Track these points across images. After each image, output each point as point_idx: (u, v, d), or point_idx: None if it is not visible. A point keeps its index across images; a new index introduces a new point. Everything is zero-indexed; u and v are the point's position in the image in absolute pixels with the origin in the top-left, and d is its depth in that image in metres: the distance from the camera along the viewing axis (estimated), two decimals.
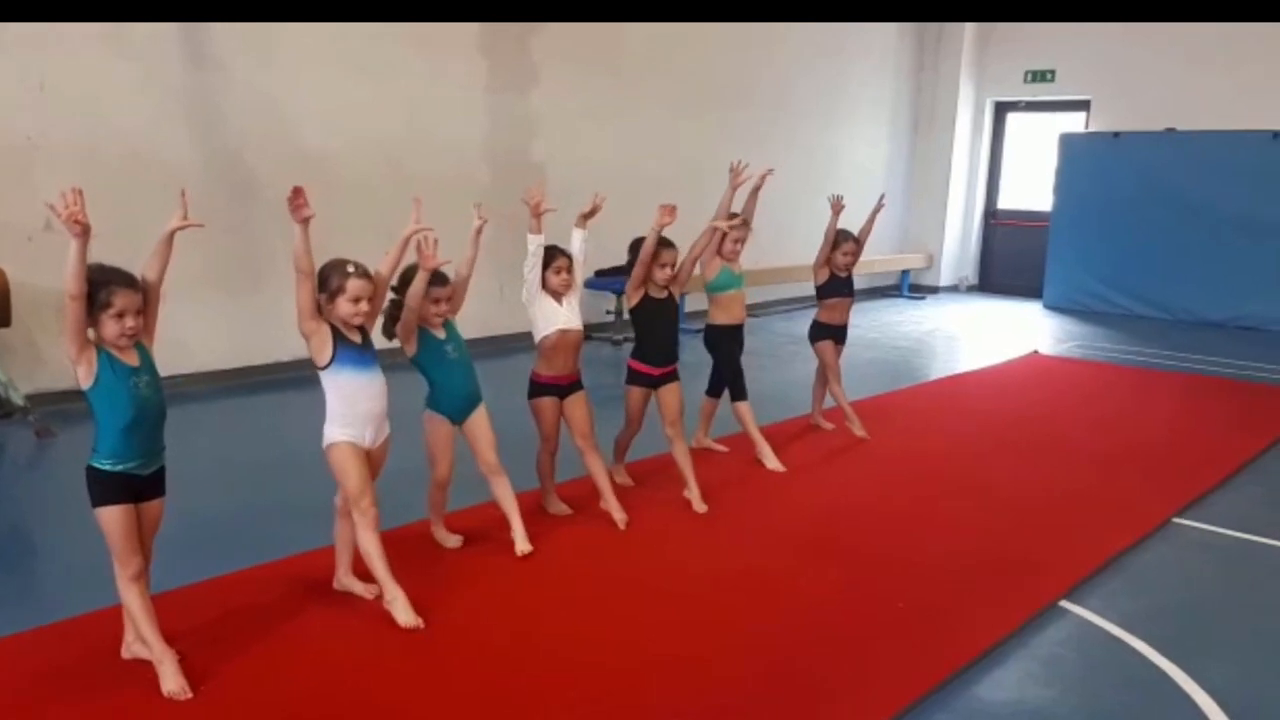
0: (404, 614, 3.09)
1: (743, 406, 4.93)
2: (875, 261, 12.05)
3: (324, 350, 3.11)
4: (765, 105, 10.27)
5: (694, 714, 2.72)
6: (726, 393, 5.02)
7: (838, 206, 5.41)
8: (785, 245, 10.89)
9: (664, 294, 4.33)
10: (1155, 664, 3.10)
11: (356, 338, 3.18)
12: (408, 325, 3.53)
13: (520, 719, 2.67)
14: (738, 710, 2.74)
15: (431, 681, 2.84)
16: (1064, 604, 3.51)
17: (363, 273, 3.12)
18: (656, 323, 4.26)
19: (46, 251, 5.60)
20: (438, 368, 3.64)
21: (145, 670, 2.79)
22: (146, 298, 2.74)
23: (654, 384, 4.31)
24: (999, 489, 4.74)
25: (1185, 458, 5.39)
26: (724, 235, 4.83)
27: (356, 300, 3.09)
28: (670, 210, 4.13)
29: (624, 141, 8.82)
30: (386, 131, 7.13)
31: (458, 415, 3.68)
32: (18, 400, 5.19)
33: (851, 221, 5.64)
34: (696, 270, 4.66)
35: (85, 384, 2.65)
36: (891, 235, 12.71)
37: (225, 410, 6.04)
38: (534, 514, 4.09)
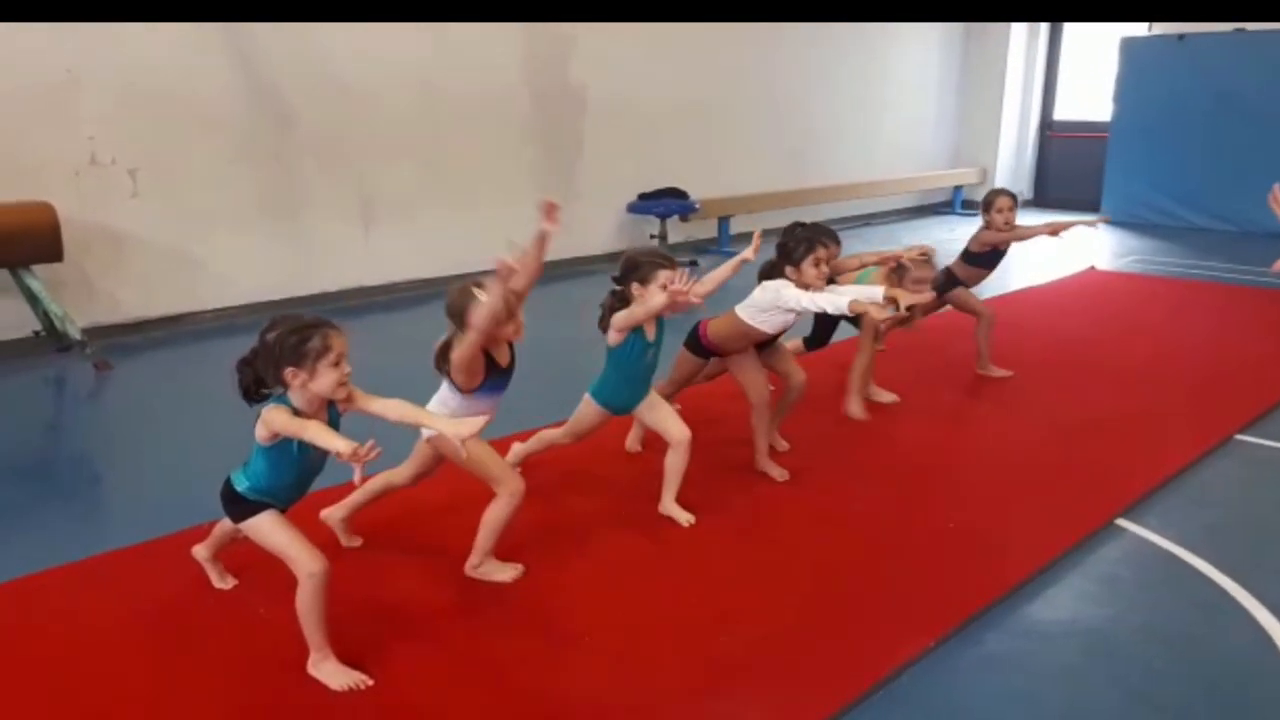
0: (502, 574, 2.99)
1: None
2: (926, 177, 11.77)
3: (475, 378, 2.89)
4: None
5: (745, 634, 2.72)
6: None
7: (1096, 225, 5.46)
8: (832, 161, 10.66)
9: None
10: (1215, 582, 3.04)
11: (504, 357, 2.96)
12: (634, 321, 3.21)
13: (574, 653, 2.70)
14: (786, 630, 2.74)
15: (481, 624, 2.87)
16: (1121, 522, 3.44)
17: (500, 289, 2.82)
18: None
19: (94, 186, 5.67)
20: (626, 367, 3.31)
21: (214, 591, 2.86)
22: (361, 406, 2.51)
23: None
24: (1054, 407, 4.63)
25: (1249, 372, 5.22)
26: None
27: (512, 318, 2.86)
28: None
29: (665, 60, 8.60)
30: (419, 55, 7.01)
31: (618, 410, 3.42)
32: (74, 334, 5.28)
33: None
34: None
35: (263, 442, 2.45)
36: (943, 149, 12.38)
37: None
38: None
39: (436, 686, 2.49)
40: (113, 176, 5.72)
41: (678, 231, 8.75)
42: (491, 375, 2.91)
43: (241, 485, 2.53)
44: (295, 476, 2.55)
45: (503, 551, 3.02)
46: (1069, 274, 8.00)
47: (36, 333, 5.45)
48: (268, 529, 2.52)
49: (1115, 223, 10.90)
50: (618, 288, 3.30)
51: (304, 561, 2.45)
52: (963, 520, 3.42)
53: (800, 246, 3.60)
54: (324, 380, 2.40)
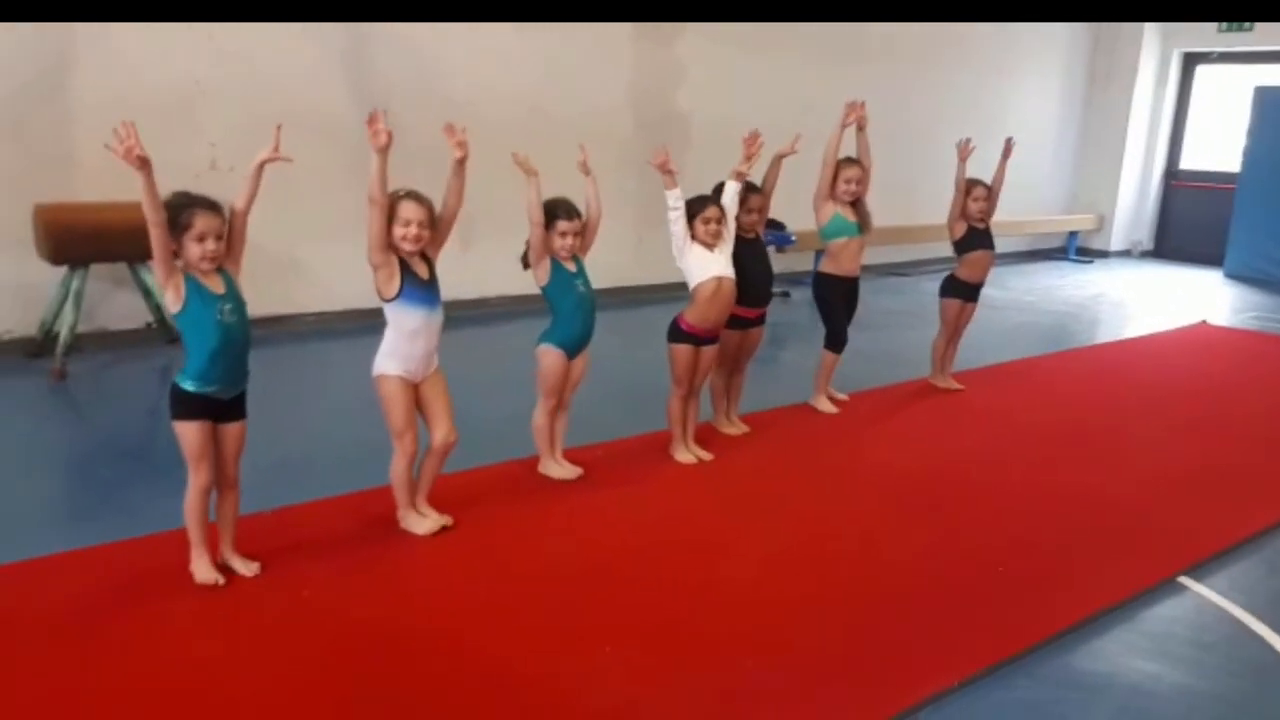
0: (420, 527, 3.27)
1: (831, 356, 4.97)
2: (1039, 222, 11.44)
3: (391, 283, 3.17)
4: (926, 55, 9.84)
5: (784, 662, 2.70)
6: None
7: (965, 152, 5.15)
8: (943, 199, 10.47)
9: (751, 235, 4.37)
10: (1275, 648, 2.88)
11: (423, 272, 3.22)
12: (536, 251, 3.66)
13: (583, 659, 2.74)
14: (809, 662, 2.71)
15: (493, 610, 2.94)
16: (1184, 580, 3.29)
17: (412, 195, 3.16)
18: (746, 263, 4.21)
19: (211, 189, 5.87)
20: (565, 299, 3.72)
21: (197, 592, 2.99)
22: (232, 225, 2.84)
23: (747, 326, 4.36)
24: (1137, 458, 4.46)
25: None
26: (834, 177, 4.81)
27: (407, 224, 3.13)
28: (751, 142, 4.14)
29: (773, 92, 8.60)
30: (529, 80, 7.22)
31: (572, 351, 3.76)
32: None
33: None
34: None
35: (174, 309, 2.77)
36: (1058, 194, 12.02)
37: (365, 346, 6.31)
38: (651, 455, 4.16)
39: None
40: (229, 182, 6.01)
41: (775, 263, 8.70)
42: (408, 284, 3.17)
43: (183, 381, 2.79)
44: (218, 341, 2.76)
45: (547, 570, 3.08)
46: (1178, 327, 7.67)
47: (149, 324, 5.82)
48: (186, 436, 2.81)
49: (1237, 277, 10.40)
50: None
51: (196, 475, 2.82)
52: (1015, 565, 3.32)
53: (690, 208, 4.00)
54: (190, 253, 2.72)
